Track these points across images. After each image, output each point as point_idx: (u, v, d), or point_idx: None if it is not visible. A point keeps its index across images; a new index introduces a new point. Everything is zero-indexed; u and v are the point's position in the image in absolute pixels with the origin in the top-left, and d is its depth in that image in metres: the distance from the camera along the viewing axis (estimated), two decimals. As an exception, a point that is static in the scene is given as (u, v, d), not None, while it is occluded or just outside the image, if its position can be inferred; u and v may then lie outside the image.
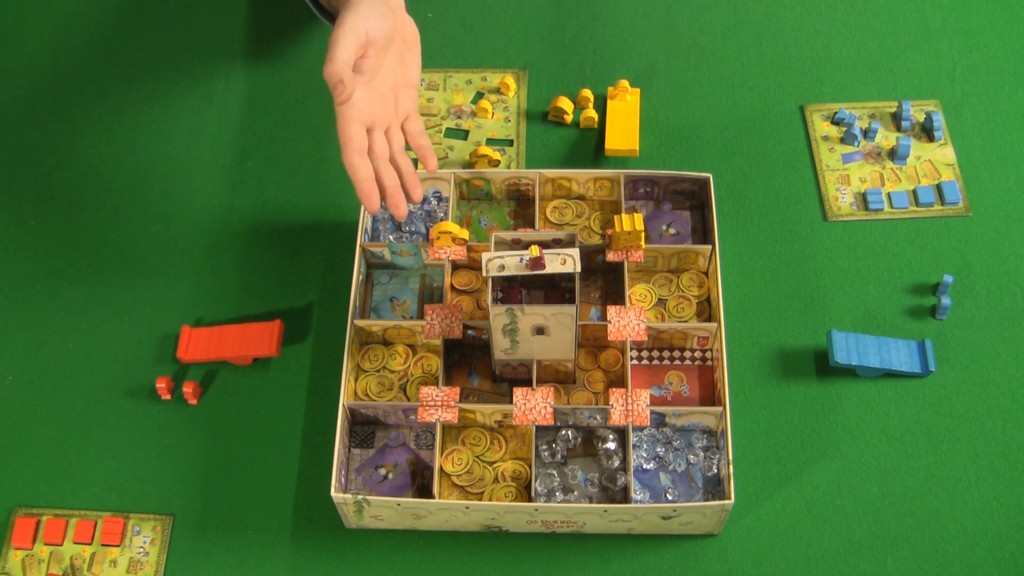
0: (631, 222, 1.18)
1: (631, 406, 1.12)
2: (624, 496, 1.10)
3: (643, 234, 1.19)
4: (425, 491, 1.13)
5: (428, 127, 1.35)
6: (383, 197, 1.10)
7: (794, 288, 1.24)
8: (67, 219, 1.31)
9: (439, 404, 1.13)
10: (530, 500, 1.10)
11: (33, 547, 1.12)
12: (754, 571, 1.10)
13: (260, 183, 1.33)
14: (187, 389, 1.18)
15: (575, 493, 1.12)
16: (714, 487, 1.12)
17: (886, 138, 1.34)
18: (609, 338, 1.15)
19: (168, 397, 1.20)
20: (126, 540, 1.12)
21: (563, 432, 1.14)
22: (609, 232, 1.20)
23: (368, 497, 1.07)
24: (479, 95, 1.38)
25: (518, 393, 1.13)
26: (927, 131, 1.33)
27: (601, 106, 1.37)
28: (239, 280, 1.27)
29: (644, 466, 1.13)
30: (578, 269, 1.05)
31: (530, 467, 1.13)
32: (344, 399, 1.12)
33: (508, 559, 1.11)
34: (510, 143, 1.35)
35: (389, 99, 1.14)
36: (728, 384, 1.13)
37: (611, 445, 1.13)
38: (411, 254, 1.23)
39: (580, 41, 1.42)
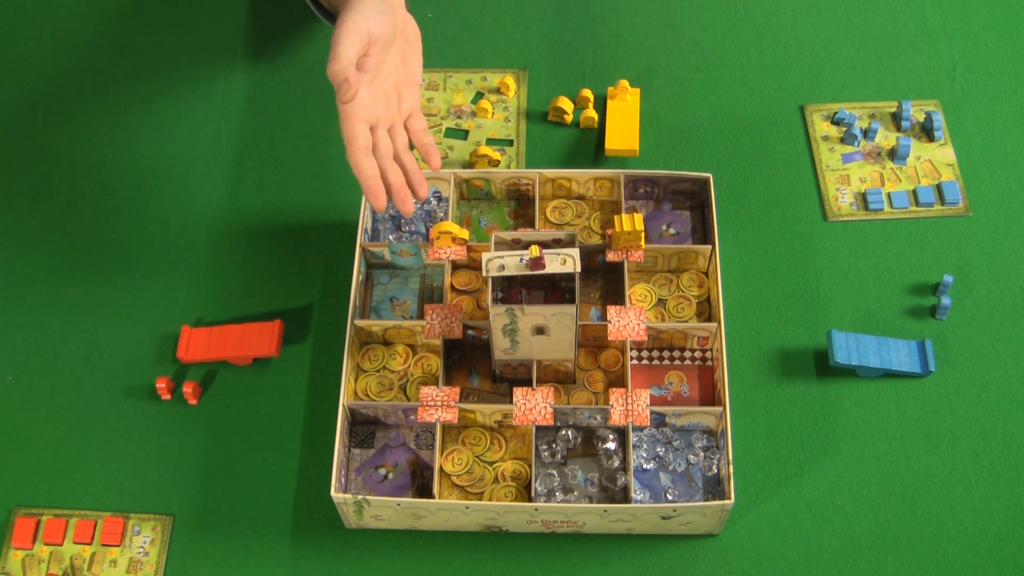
0: (631, 222, 1.18)
1: (631, 406, 1.12)
2: (624, 496, 1.10)
3: (643, 234, 1.19)
4: (425, 491, 1.13)
5: (428, 127, 1.35)
6: (389, 195, 1.10)
7: (794, 288, 1.24)
8: (67, 219, 1.31)
9: (439, 404, 1.13)
10: (530, 500, 1.10)
11: (33, 547, 1.12)
12: (754, 571, 1.10)
13: (260, 183, 1.33)
14: (187, 389, 1.18)
15: (575, 493, 1.12)
16: (714, 487, 1.12)
17: (886, 138, 1.34)
18: (609, 338, 1.15)
19: (168, 397, 1.20)
20: (126, 540, 1.12)
21: (563, 432, 1.14)
22: (609, 232, 1.20)
23: (368, 497, 1.07)
24: (479, 95, 1.38)
25: (518, 393, 1.13)
26: (927, 131, 1.33)
27: (601, 106, 1.37)
28: (239, 280, 1.27)
29: (644, 466, 1.13)
30: (578, 269, 1.05)
31: (530, 467, 1.13)
32: (344, 399, 1.12)
33: (508, 559, 1.11)
34: (510, 143, 1.35)
35: (392, 97, 1.14)
36: (728, 384, 1.13)
37: (611, 445, 1.13)
38: (411, 254, 1.23)
39: (580, 41, 1.42)
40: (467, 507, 1.07)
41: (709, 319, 1.20)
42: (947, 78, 1.38)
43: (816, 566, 1.10)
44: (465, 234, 1.21)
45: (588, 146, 1.35)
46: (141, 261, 1.28)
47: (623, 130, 1.33)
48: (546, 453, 1.14)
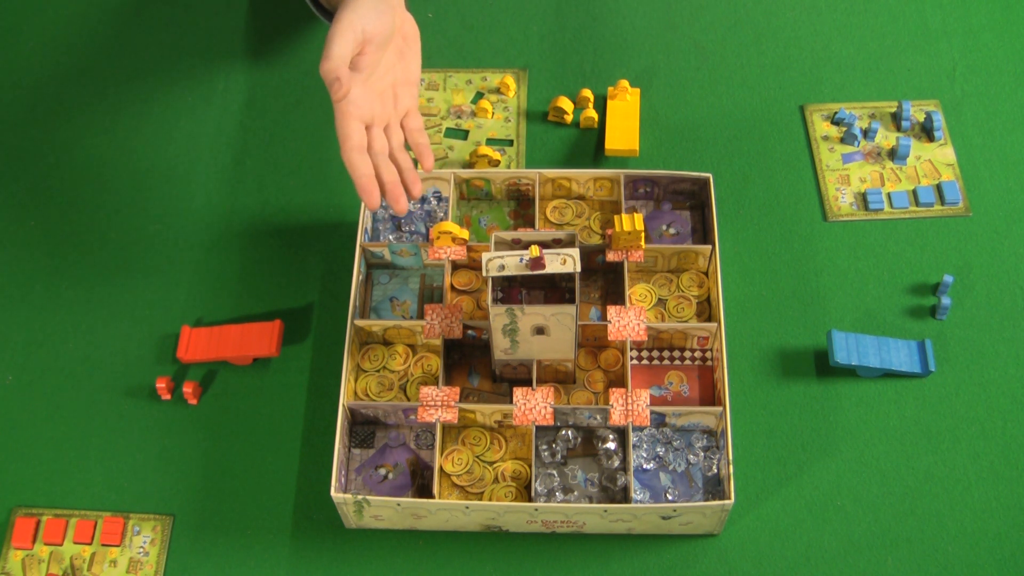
0: (631, 222, 1.18)
1: (631, 406, 1.12)
2: (624, 496, 1.10)
3: (643, 234, 1.19)
4: (425, 491, 1.13)
5: (428, 127, 1.35)
6: (383, 193, 1.10)
7: (794, 288, 1.24)
8: (67, 219, 1.31)
9: (439, 404, 1.13)
10: (530, 500, 1.10)
11: (33, 547, 1.12)
12: (754, 571, 1.10)
13: (260, 183, 1.33)
14: (187, 389, 1.18)
15: (575, 493, 1.12)
16: (714, 487, 1.12)
17: (886, 138, 1.34)
18: (609, 338, 1.15)
19: (168, 397, 1.20)
20: (126, 540, 1.12)
21: (563, 432, 1.14)
22: (609, 232, 1.20)
23: (368, 497, 1.07)
24: (479, 95, 1.38)
25: (518, 393, 1.13)
26: (927, 131, 1.33)
27: (601, 106, 1.37)
28: (239, 280, 1.27)
29: (644, 466, 1.13)
30: (578, 269, 1.05)
31: (530, 467, 1.13)
32: (344, 399, 1.12)
33: (508, 559, 1.11)
34: (510, 143, 1.35)
35: (388, 96, 1.13)
36: (728, 384, 1.13)
37: (611, 445, 1.13)
38: (411, 254, 1.23)
39: (580, 41, 1.42)
40: (467, 507, 1.07)
41: (709, 319, 1.20)
42: (947, 78, 1.38)
43: (816, 566, 1.10)
44: (465, 234, 1.21)
45: (588, 146, 1.35)
46: (141, 261, 1.28)
47: (623, 130, 1.33)
48: (546, 453, 1.14)
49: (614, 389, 1.13)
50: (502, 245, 1.13)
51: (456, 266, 1.24)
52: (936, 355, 1.19)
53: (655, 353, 1.20)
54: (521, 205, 1.29)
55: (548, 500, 1.11)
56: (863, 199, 1.29)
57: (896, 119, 1.34)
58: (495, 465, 1.14)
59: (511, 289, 1.12)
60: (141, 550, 1.12)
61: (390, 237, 1.26)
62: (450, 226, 1.20)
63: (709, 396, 1.17)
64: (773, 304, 1.23)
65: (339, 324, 1.21)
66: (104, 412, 1.19)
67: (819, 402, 1.18)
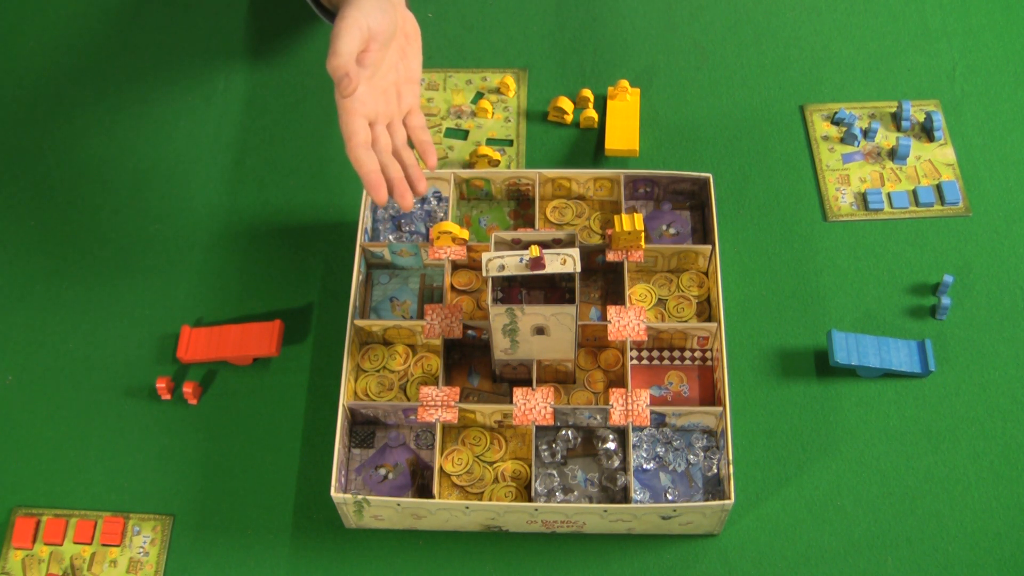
0: (631, 222, 1.18)
1: (631, 406, 1.12)
2: (624, 496, 1.10)
3: (643, 234, 1.19)
4: (425, 491, 1.13)
5: (428, 127, 1.35)
6: (389, 190, 1.10)
7: (794, 288, 1.24)
8: (67, 219, 1.31)
9: (439, 404, 1.13)
10: (530, 500, 1.10)
11: (33, 547, 1.12)
12: (754, 571, 1.10)
13: (260, 183, 1.33)
14: (187, 389, 1.18)
15: (575, 493, 1.12)
16: (714, 487, 1.12)
17: (886, 138, 1.34)
18: (609, 338, 1.15)
19: (168, 397, 1.20)
20: (126, 540, 1.12)
21: (563, 432, 1.14)
22: (609, 232, 1.20)
23: (368, 497, 1.07)
24: (479, 95, 1.38)
25: (518, 393, 1.13)
26: (927, 131, 1.33)
27: (601, 106, 1.37)
28: (239, 280, 1.27)
29: (644, 466, 1.13)
30: (578, 269, 1.05)
31: (530, 467, 1.13)
32: (344, 399, 1.12)
33: (508, 559, 1.11)
34: (510, 143, 1.35)
35: (391, 94, 1.14)
36: (728, 384, 1.13)
37: (611, 445, 1.13)
38: (411, 254, 1.23)
39: (580, 41, 1.42)
40: (467, 507, 1.07)
41: (709, 319, 1.20)
42: (947, 78, 1.38)
43: (816, 566, 1.10)
44: (465, 234, 1.21)
45: (588, 146, 1.35)
46: (141, 261, 1.28)
47: (623, 130, 1.33)
48: (546, 453, 1.14)
49: (614, 389, 1.13)
50: (502, 245, 1.13)
51: (456, 266, 1.24)
52: (936, 355, 1.19)
53: (655, 353, 1.20)
54: (521, 205, 1.29)
55: (548, 500, 1.11)
56: (863, 199, 1.29)
57: (896, 119, 1.34)
58: (495, 465, 1.14)
59: (511, 289, 1.12)
60: (141, 550, 1.12)
61: (390, 237, 1.26)
62: (450, 226, 1.20)
63: (709, 396, 1.17)
64: (773, 304, 1.23)
65: (339, 324, 1.21)
66: (104, 412, 1.19)
67: (819, 402, 1.18)
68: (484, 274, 1.05)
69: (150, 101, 1.39)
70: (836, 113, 1.34)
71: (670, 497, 1.11)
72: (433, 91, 1.39)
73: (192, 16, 1.46)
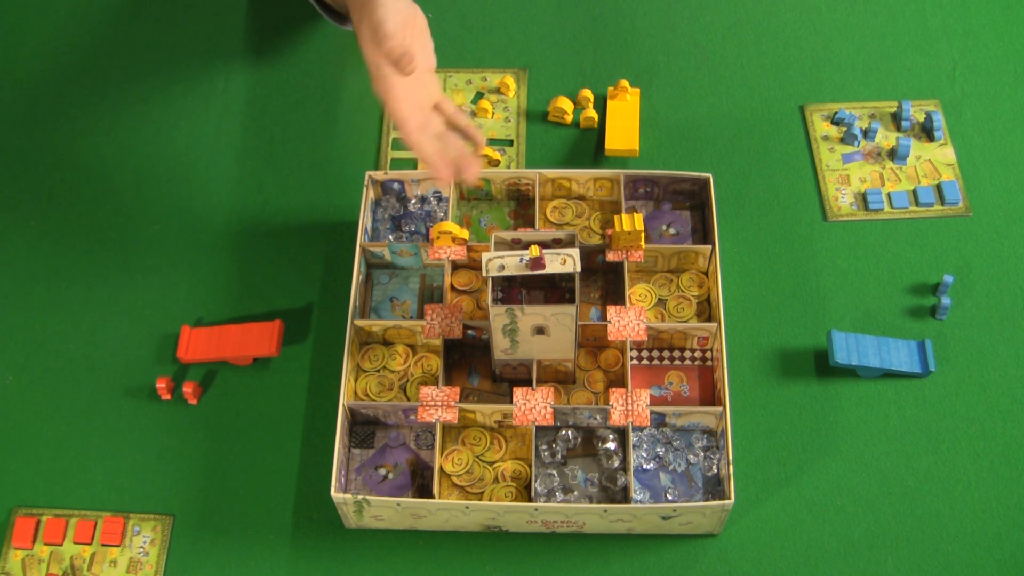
0: (631, 222, 1.18)
1: (631, 406, 1.12)
2: (624, 496, 1.10)
3: (643, 234, 1.19)
4: (425, 491, 1.13)
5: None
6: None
7: (794, 288, 1.24)
8: (67, 219, 1.31)
9: (439, 404, 1.13)
10: (530, 500, 1.10)
11: (33, 547, 1.12)
12: (754, 571, 1.10)
13: (260, 183, 1.33)
14: (187, 389, 1.18)
15: (575, 493, 1.12)
16: (714, 487, 1.12)
17: (886, 138, 1.34)
18: (609, 338, 1.15)
19: (168, 397, 1.20)
20: (126, 540, 1.12)
21: (563, 432, 1.14)
22: (609, 232, 1.20)
23: (368, 497, 1.07)
24: (479, 95, 1.38)
25: (518, 393, 1.13)
26: (927, 131, 1.33)
27: (601, 106, 1.37)
28: (239, 280, 1.27)
29: (644, 466, 1.13)
30: (578, 269, 1.05)
31: (530, 467, 1.13)
32: (344, 399, 1.12)
33: (508, 559, 1.11)
34: (510, 143, 1.35)
35: (421, 82, 1.15)
36: (728, 384, 1.13)
37: (611, 445, 1.13)
38: (411, 254, 1.23)
39: (580, 41, 1.42)
40: (467, 507, 1.07)
41: (709, 319, 1.20)
42: (947, 78, 1.38)
43: (816, 566, 1.10)
44: (465, 234, 1.21)
45: (588, 146, 1.35)
46: (141, 261, 1.28)
47: (623, 130, 1.33)
48: (546, 453, 1.14)
49: (614, 389, 1.13)
50: (502, 245, 1.13)
51: (456, 266, 1.24)
52: (936, 355, 1.19)
53: (655, 353, 1.20)
54: (521, 205, 1.29)
55: (548, 500, 1.11)
56: (863, 199, 1.29)
57: (896, 119, 1.34)
58: (495, 465, 1.14)
59: (511, 289, 1.12)
60: (141, 550, 1.12)
61: (390, 237, 1.26)
62: (450, 226, 1.20)
63: (709, 396, 1.17)
64: (773, 304, 1.23)
65: (339, 324, 1.21)
66: (104, 412, 1.19)
67: (819, 402, 1.18)
68: (484, 274, 1.05)
69: (150, 101, 1.39)
70: (836, 113, 1.34)
71: (670, 497, 1.11)
72: (433, 91, 1.39)
73: (192, 16, 1.46)
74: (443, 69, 1.40)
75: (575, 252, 1.06)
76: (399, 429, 1.16)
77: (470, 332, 1.18)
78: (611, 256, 1.20)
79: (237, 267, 1.27)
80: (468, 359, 1.20)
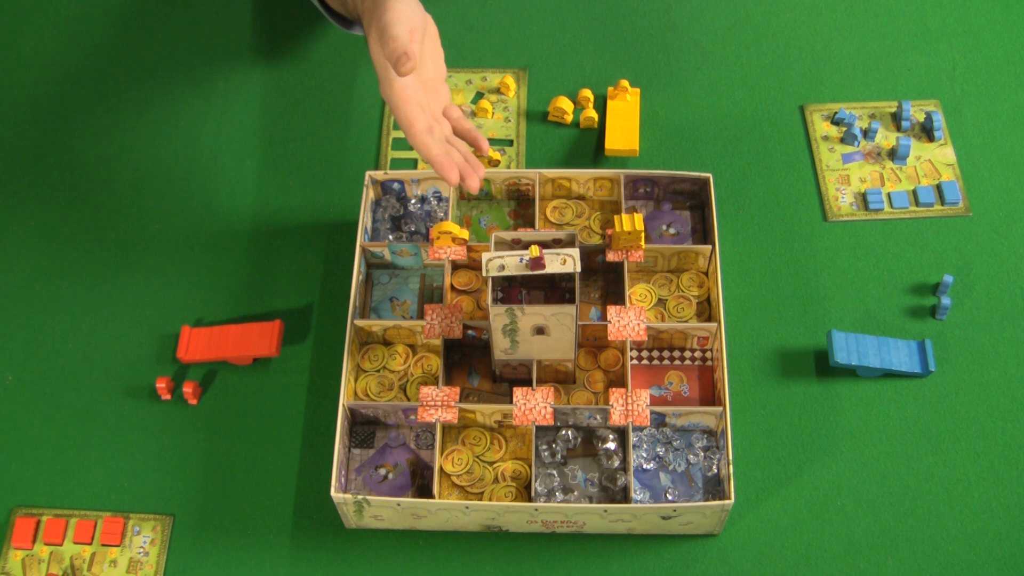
0: (631, 222, 1.18)
1: (631, 406, 1.12)
2: (624, 496, 1.10)
3: (643, 234, 1.19)
4: (425, 491, 1.13)
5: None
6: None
7: (794, 288, 1.24)
8: (67, 219, 1.31)
9: (439, 404, 1.13)
10: (530, 500, 1.10)
11: (33, 547, 1.12)
12: (754, 571, 1.10)
13: (260, 183, 1.33)
14: (187, 389, 1.18)
15: (575, 493, 1.12)
16: (714, 487, 1.12)
17: (886, 138, 1.34)
18: (609, 338, 1.15)
19: (168, 397, 1.20)
20: (126, 540, 1.12)
21: (563, 432, 1.14)
22: (609, 232, 1.20)
23: (368, 497, 1.07)
24: (479, 95, 1.38)
25: (518, 393, 1.13)
26: (927, 131, 1.33)
27: (601, 106, 1.37)
28: (239, 280, 1.27)
29: (644, 466, 1.13)
30: (578, 269, 1.05)
31: (530, 467, 1.13)
32: (344, 399, 1.12)
33: (508, 559, 1.11)
34: (510, 143, 1.35)
35: (431, 87, 1.16)
36: (728, 384, 1.13)
37: (611, 445, 1.13)
38: (411, 254, 1.23)
39: (580, 41, 1.42)
40: (467, 507, 1.07)
41: (709, 319, 1.20)
42: (947, 78, 1.38)
43: (816, 566, 1.10)
44: (465, 234, 1.21)
45: (588, 146, 1.35)
46: (141, 261, 1.28)
47: (623, 130, 1.33)
48: (546, 453, 1.14)
49: (614, 389, 1.13)
50: (502, 245, 1.13)
51: (456, 266, 1.24)
52: (936, 355, 1.19)
53: (655, 353, 1.20)
54: (521, 205, 1.29)
55: (548, 500, 1.11)
56: (863, 199, 1.29)
57: (896, 119, 1.34)
58: (495, 465, 1.14)
59: (511, 289, 1.12)
60: (141, 550, 1.12)
61: (390, 237, 1.26)
62: (450, 226, 1.20)
63: (709, 396, 1.17)
64: (773, 304, 1.23)
65: (339, 324, 1.21)
66: (104, 412, 1.19)
67: (819, 402, 1.18)
68: (484, 274, 1.05)
69: (150, 101, 1.39)
70: (836, 113, 1.34)
71: (670, 497, 1.11)
72: (433, 91, 1.39)
73: (193, 16, 1.46)
74: (443, 69, 1.40)
75: (575, 252, 1.06)
76: (399, 429, 1.16)
77: (470, 332, 1.18)
78: (611, 256, 1.20)
79: (237, 267, 1.27)
80: (468, 359, 1.20)
